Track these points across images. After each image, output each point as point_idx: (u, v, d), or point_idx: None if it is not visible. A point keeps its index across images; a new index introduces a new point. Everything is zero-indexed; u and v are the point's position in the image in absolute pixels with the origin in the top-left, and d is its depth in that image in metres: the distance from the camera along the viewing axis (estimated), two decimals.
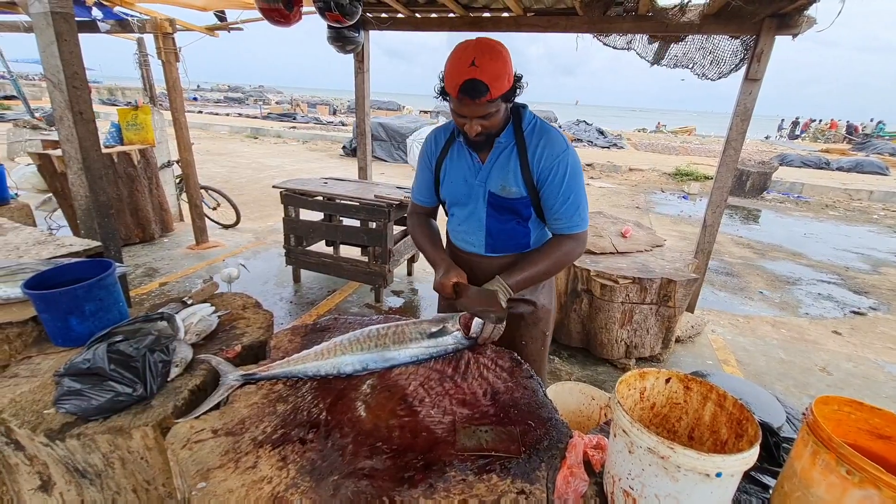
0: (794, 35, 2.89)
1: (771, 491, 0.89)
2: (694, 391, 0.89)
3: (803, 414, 0.81)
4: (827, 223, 8.08)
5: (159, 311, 1.38)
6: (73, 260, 1.56)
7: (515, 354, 1.30)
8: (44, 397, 1.13)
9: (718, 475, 0.68)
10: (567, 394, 1.34)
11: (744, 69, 3.08)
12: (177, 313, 1.44)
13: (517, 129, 1.38)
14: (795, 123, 27.94)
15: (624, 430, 0.76)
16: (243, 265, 2.81)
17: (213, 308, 1.55)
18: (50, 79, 1.77)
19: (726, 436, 0.84)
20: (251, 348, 1.40)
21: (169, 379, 1.20)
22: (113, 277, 1.38)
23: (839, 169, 12.78)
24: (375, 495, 0.82)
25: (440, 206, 1.70)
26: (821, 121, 27.68)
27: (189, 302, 1.58)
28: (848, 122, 24.89)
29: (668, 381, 0.91)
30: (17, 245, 1.86)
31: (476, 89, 1.19)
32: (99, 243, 1.90)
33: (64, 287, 1.29)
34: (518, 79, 1.29)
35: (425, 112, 22.99)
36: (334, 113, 27.41)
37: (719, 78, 3.26)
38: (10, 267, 1.48)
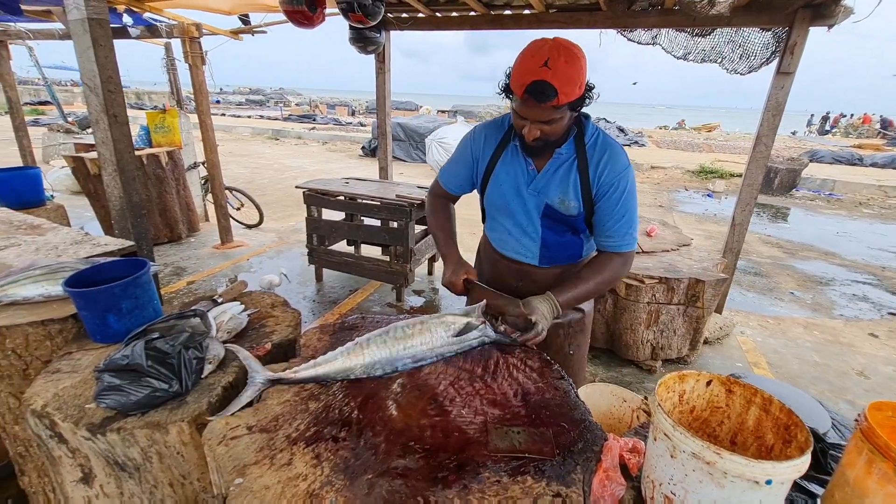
0: (830, 26, 2.78)
1: (819, 500, 0.85)
2: (737, 395, 0.86)
3: (856, 420, 0.78)
4: (861, 221, 7.78)
5: (193, 308, 1.41)
6: (110, 259, 1.61)
7: (545, 354, 1.28)
8: (85, 392, 1.16)
9: (768, 482, 0.66)
10: (597, 395, 1.32)
11: (775, 62, 2.99)
12: (208, 311, 1.47)
13: (579, 142, 1.31)
14: (825, 119, 26.98)
15: (666, 434, 0.74)
16: (285, 274, 2.81)
17: (243, 306, 1.57)
18: (86, 83, 1.83)
19: (772, 441, 0.81)
20: (280, 346, 1.41)
21: (203, 376, 1.23)
22: (148, 276, 1.42)
23: (873, 165, 12.29)
24: (410, 495, 0.82)
25: (460, 197, 1.67)
26: (852, 115, 26.67)
27: (219, 300, 1.61)
28: (882, 116, 23.91)
29: (709, 383, 0.88)
30: (55, 245, 1.93)
31: (543, 92, 1.11)
32: (132, 243, 1.95)
33: (101, 285, 1.33)
34: (590, 88, 1.21)
35: (443, 112, 23.01)
36: (353, 114, 27.67)
37: (749, 72, 3.17)
38: (50, 266, 1.54)
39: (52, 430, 1.10)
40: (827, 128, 25.94)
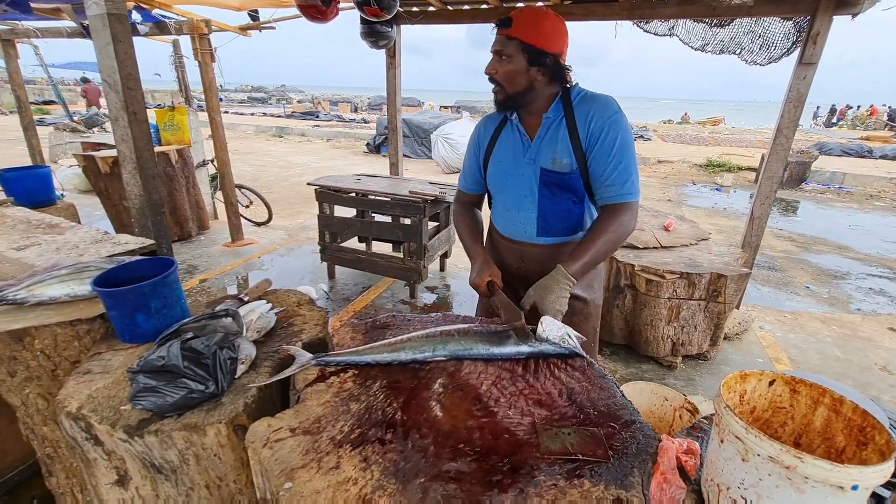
0: (854, 14, 2.73)
1: (888, 502, 0.82)
2: (802, 395, 0.83)
3: None
4: (873, 214, 7.70)
5: (222, 307, 1.38)
6: (134, 258, 1.59)
7: (581, 350, 1.25)
8: (118, 393, 1.14)
9: (854, 488, 0.63)
10: (637, 394, 1.29)
11: (796, 53, 2.93)
12: (237, 309, 1.45)
13: (566, 102, 1.36)
14: (833, 111, 26.71)
15: (737, 437, 0.71)
16: (325, 290, 2.75)
17: (270, 305, 1.55)
18: (106, 80, 1.80)
19: (844, 443, 0.78)
20: (310, 345, 1.39)
21: (236, 376, 1.20)
22: (175, 275, 1.39)
23: (883, 157, 12.16)
24: (466, 500, 0.79)
25: (486, 196, 1.68)
26: (859, 107, 26.39)
27: (246, 298, 1.58)
28: (890, 107, 23.65)
29: (771, 383, 0.85)
30: (76, 244, 1.91)
31: (503, 21, 1.28)
32: (152, 241, 1.93)
33: (128, 285, 1.31)
34: (557, 58, 1.31)
35: (446, 107, 22.92)
36: (356, 110, 27.60)
37: (769, 63, 3.11)
38: (76, 265, 1.52)
39: (88, 432, 1.08)
40: (833, 120, 25.69)
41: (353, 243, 4.23)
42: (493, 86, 1.38)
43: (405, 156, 11.89)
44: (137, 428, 1.04)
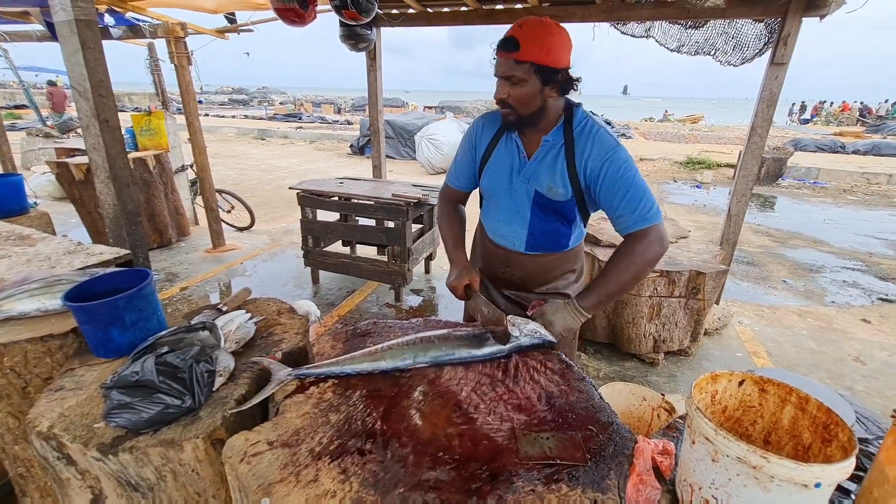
0: (822, 16, 2.80)
1: (853, 496, 0.85)
2: (770, 394, 0.85)
3: (892, 415, 0.77)
4: (846, 208, 7.93)
5: (199, 319, 1.36)
6: (108, 270, 1.55)
7: (563, 355, 1.26)
8: (92, 410, 1.12)
9: (818, 486, 0.65)
10: (616, 395, 1.31)
11: (768, 54, 3.00)
12: (214, 321, 1.43)
13: (567, 129, 1.33)
14: (803, 108, 27.32)
15: (707, 438, 0.73)
16: (318, 318, 2.65)
17: (249, 315, 1.53)
18: (76, 87, 1.76)
19: (810, 440, 0.80)
20: (290, 355, 1.38)
21: (214, 389, 1.19)
22: (151, 287, 1.37)
23: (855, 152, 12.53)
24: None
25: (474, 192, 1.69)
26: (832, 103, 27.12)
27: (224, 309, 1.56)
28: (862, 103, 24.35)
29: (741, 383, 0.87)
30: (48, 255, 1.86)
31: (507, 44, 1.20)
32: (128, 251, 1.89)
33: (102, 298, 1.28)
34: (568, 72, 1.25)
35: (430, 108, 22.90)
36: (339, 112, 27.40)
37: (742, 63, 3.19)
38: (46, 279, 1.48)
39: (60, 451, 1.05)
40: (806, 116, 26.34)
41: (337, 247, 4.20)
42: (503, 109, 1.32)
43: (390, 157, 11.85)
44: (111, 446, 1.02)
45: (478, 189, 1.63)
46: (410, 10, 3.78)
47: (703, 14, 2.97)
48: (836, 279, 4.70)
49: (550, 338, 1.25)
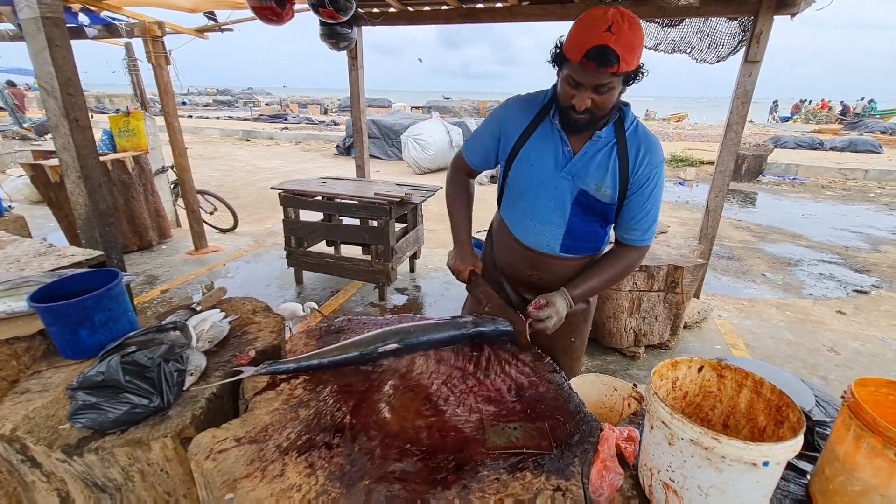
0: (793, 15, 2.87)
1: (809, 476, 0.87)
2: (728, 379, 0.87)
3: (842, 397, 0.80)
4: (824, 203, 8.11)
5: (171, 318, 1.35)
6: (78, 271, 1.53)
7: (536, 348, 1.28)
8: (57, 412, 1.10)
9: (766, 464, 0.67)
10: (588, 385, 1.33)
11: (742, 51, 3.06)
12: (187, 320, 1.42)
13: (619, 128, 1.27)
14: (775, 106, 27.62)
15: (664, 422, 0.74)
16: (317, 309, 2.55)
17: (224, 314, 1.52)
18: (43, 86, 1.73)
19: (764, 423, 0.82)
20: (264, 353, 1.37)
21: (185, 388, 1.18)
22: (121, 287, 1.35)
23: (833, 149, 12.82)
24: (409, 499, 0.80)
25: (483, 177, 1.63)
26: (811, 101, 27.68)
27: (198, 308, 1.55)
28: (842, 101, 24.89)
29: (700, 369, 0.89)
30: (17, 257, 1.83)
31: (606, 57, 1.06)
32: (101, 252, 1.86)
33: (71, 299, 1.26)
34: (640, 65, 1.16)
35: (417, 108, 22.87)
36: (325, 112, 27.23)
37: (718, 61, 3.24)
38: (13, 281, 1.45)
39: (24, 454, 1.04)
40: (785, 114, 26.82)
41: (322, 247, 4.18)
42: (577, 115, 1.20)
43: (376, 157, 11.82)
44: (77, 447, 1.01)
45: (500, 182, 1.51)
46: (391, 9, 3.78)
47: (677, 12, 3.01)
48: (814, 272, 4.80)
49: (509, 326, 1.29)
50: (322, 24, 3.42)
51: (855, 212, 7.53)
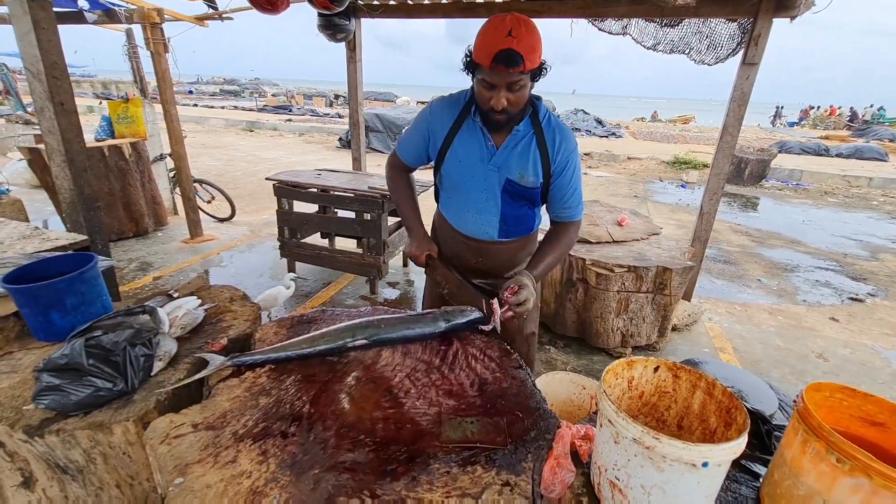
0: (792, 17, 2.83)
1: (761, 479, 0.87)
2: (683, 379, 0.87)
3: (794, 401, 0.79)
4: (826, 210, 8.05)
5: (142, 304, 1.36)
6: (56, 254, 1.53)
7: (505, 344, 1.27)
8: (23, 393, 1.11)
9: (705, 465, 0.66)
10: (557, 384, 1.33)
11: (741, 53, 3.03)
12: (162, 306, 1.42)
13: (535, 120, 1.41)
14: (777, 113, 27.15)
15: (610, 420, 0.74)
16: (294, 279, 2.53)
17: (200, 301, 1.53)
18: (29, 69, 1.73)
19: (715, 424, 0.82)
20: (237, 341, 1.37)
21: (152, 374, 1.18)
22: (95, 271, 1.36)
23: (838, 155, 12.70)
24: (356, 489, 0.80)
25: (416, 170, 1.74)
26: (819, 107, 27.42)
27: (175, 295, 1.56)
28: (852, 108, 24.66)
29: (656, 369, 0.89)
30: (1, 240, 1.83)
31: (512, 58, 1.19)
32: (85, 237, 1.87)
33: (46, 281, 1.27)
34: (543, 62, 1.30)
35: (422, 103, 22.81)
36: (330, 105, 27.18)
37: (716, 63, 3.21)
38: None
39: None
40: (793, 120, 26.55)
41: (315, 239, 4.18)
42: (497, 116, 1.32)
43: (378, 151, 11.81)
44: (38, 428, 1.02)
45: (434, 179, 1.64)
46: (391, 2, 3.76)
47: (675, 12, 2.98)
48: (810, 279, 4.77)
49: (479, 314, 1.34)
50: (320, 14, 3.41)
51: (857, 219, 7.47)
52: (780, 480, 0.77)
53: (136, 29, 4.47)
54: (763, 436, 0.96)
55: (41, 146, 4.18)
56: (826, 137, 16.49)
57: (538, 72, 1.29)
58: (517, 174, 1.42)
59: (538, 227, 1.67)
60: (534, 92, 1.40)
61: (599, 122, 17.07)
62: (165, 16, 3.95)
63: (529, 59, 1.21)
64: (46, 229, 1.97)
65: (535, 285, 1.37)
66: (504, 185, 1.44)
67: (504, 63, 1.20)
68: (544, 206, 1.55)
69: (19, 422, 1.03)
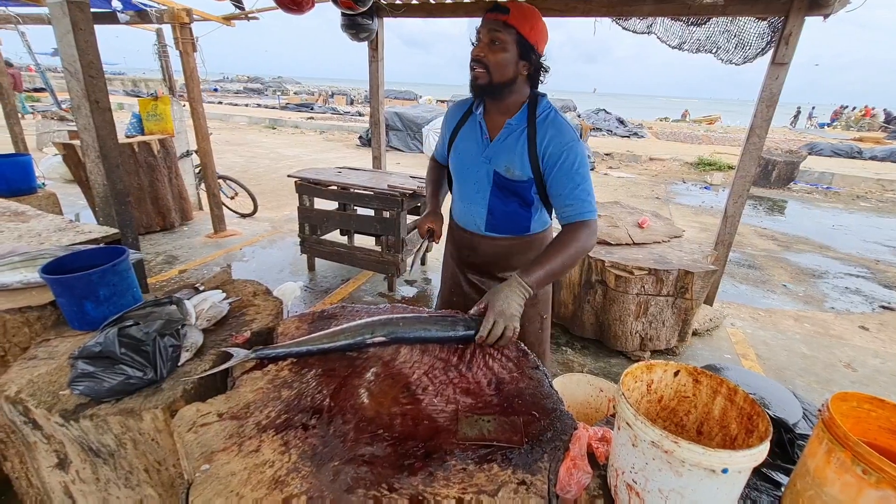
0: (826, 16, 2.75)
1: (783, 489, 0.86)
2: (703, 385, 0.86)
3: (819, 410, 0.78)
4: (857, 215, 7.77)
5: (170, 295, 1.40)
6: (90, 247, 1.60)
7: (523, 345, 1.28)
8: (60, 379, 1.16)
9: (725, 471, 0.66)
10: (575, 385, 1.32)
11: (770, 53, 2.95)
12: (188, 299, 1.47)
13: (531, 114, 1.40)
14: (797, 114, 26.04)
15: (628, 423, 0.74)
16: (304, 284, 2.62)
17: (225, 294, 1.57)
18: (67, 68, 1.80)
19: (736, 431, 0.81)
20: (260, 335, 1.41)
21: (179, 364, 1.23)
22: (126, 263, 1.41)
23: (873, 158, 12.25)
24: (374, 482, 0.82)
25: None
26: (854, 108, 26.42)
27: (201, 288, 1.60)
28: (885, 109, 23.70)
29: (676, 373, 0.88)
30: (39, 232, 1.92)
31: (498, 7, 1.28)
32: (116, 230, 1.94)
33: (81, 272, 1.32)
34: (541, 60, 1.36)
35: (442, 101, 22.82)
36: (351, 103, 27.44)
37: (744, 62, 3.13)
38: (30, 253, 1.53)
39: (26, 416, 1.10)
40: (824, 121, 25.58)
41: (335, 236, 4.24)
42: (477, 68, 1.34)
43: (398, 149, 11.88)
44: (73, 412, 1.06)
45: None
46: (413, 1, 3.78)
47: (703, 11, 2.92)
48: (839, 285, 4.62)
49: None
50: (344, 14, 3.45)
51: (890, 225, 7.20)
52: (802, 490, 0.76)
53: (166, 28, 4.60)
54: (786, 444, 0.94)
55: (75, 142, 4.34)
56: (860, 139, 15.90)
57: (528, 51, 1.31)
58: (503, 167, 1.43)
59: (538, 231, 1.59)
60: (547, 90, 1.47)
61: (621, 121, 16.80)
62: (194, 16, 4.05)
63: (517, 19, 1.26)
64: (79, 222, 2.05)
65: (523, 292, 1.26)
66: (493, 178, 1.47)
67: (490, 11, 1.29)
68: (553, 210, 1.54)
69: (56, 406, 1.07)
